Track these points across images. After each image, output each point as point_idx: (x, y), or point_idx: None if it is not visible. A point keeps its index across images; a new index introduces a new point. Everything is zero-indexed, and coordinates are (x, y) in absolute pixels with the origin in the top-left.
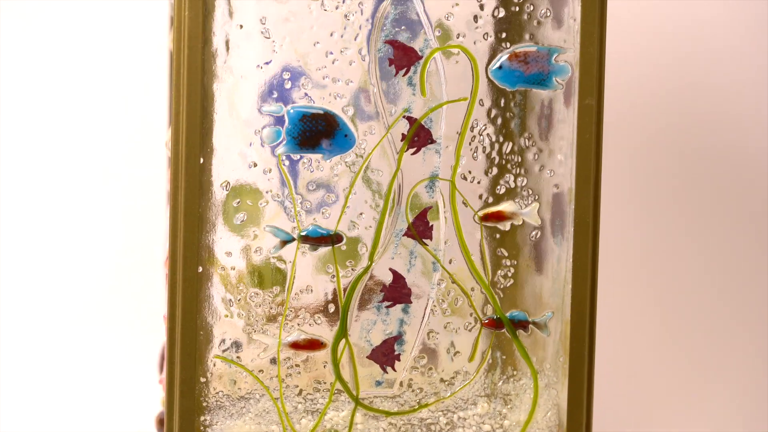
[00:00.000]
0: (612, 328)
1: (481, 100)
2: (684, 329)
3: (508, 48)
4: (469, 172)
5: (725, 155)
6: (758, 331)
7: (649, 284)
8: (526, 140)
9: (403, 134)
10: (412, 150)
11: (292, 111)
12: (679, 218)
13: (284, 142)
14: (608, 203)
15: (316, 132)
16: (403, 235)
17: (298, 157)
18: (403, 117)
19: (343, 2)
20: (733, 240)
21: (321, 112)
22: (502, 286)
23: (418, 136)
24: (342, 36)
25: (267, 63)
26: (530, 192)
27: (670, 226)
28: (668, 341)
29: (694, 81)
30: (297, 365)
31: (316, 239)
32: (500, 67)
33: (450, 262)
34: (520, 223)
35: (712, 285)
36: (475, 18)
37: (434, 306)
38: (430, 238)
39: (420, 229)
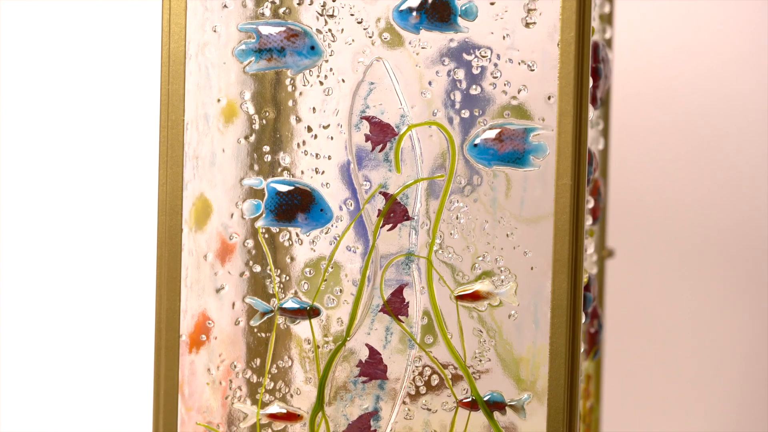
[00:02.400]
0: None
1: (458, 177)
2: (668, 411)
3: (484, 125)
4: (449, 249)
5: (711, 223)
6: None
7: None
8: (503, 219)
9: (379, 210)
10: (388, 226)
11: (270, 184)
12: (664, 301)
13: (263, 215)
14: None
15: (292, 206)
16: (379, 311)
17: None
18: (379, 193)
19: (326, 77)
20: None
21: (297, 186)
22: (479, 367)
23: (394, 213)
24: (323, 111)
25: (246, 138)
26: (507, 271)
27: (653, 305)
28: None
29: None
30: None
31: (293, 312)
32: (475, 145)
33: (427, 340)
34: (497, 303)
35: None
36: (452, 94)
37: (410, 383)
38: (406, 315)
39: (395, 305)
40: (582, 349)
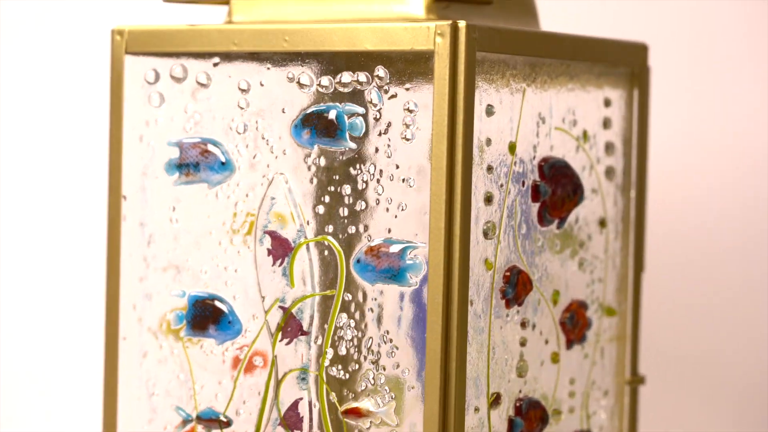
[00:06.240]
0: None
1: (346, 293)
2: None
3: (367, 241)
4: (338, 365)
5: None
6: None
7: None
8: (385, 336)
9: (277, 324)
10: (286, 340)
11: (190, 296)
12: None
13: (185, 326)
14: None
15: (204, 317)
16: (278, 425)
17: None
18: (278, 306)
19: (234, 192)
20: None
21: (208, 298)
22: None
23: (291, 327)
24: (232, 226)
25: (170, 251)
26: (388, 390)
27: None
28: None
29: None
30: None
31: (207, 421)
32: (358, 261)
33: None
34: (379, 422)
35: None
36: (341, 210)
37: None
38: (301, 430)
39: (292, 420)
40: None
